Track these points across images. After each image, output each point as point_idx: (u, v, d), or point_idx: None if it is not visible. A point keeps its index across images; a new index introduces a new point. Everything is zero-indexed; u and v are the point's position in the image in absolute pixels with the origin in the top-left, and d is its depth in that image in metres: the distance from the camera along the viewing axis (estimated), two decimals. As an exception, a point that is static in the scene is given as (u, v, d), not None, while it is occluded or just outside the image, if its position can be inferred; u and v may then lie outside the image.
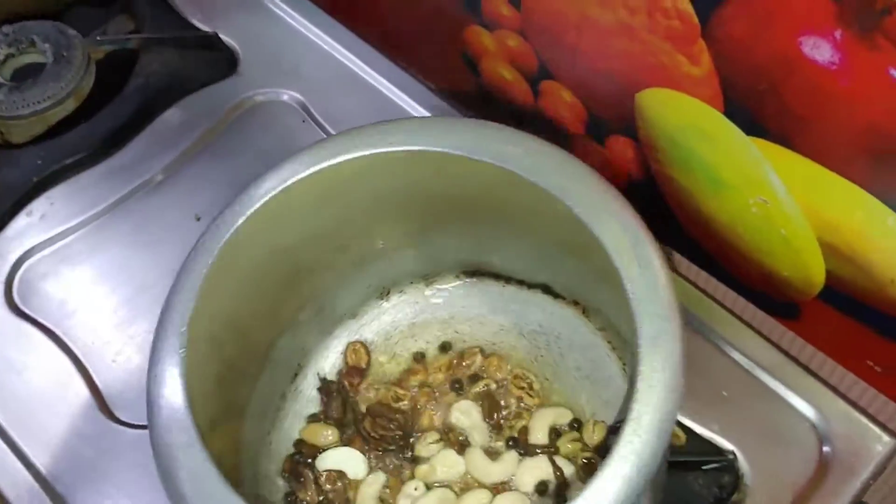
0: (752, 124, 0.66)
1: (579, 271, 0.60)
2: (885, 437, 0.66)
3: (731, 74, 0.65)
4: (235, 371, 0.56)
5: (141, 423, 0.66)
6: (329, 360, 0.66)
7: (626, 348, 0.61)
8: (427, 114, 0.80)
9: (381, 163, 0.56)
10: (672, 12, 0.64)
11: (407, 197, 0.60)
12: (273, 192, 0.55)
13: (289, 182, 0.56)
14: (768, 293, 0.73)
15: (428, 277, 0.67)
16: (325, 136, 0.79)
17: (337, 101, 0.80)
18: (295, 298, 0.62)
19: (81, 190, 0.76)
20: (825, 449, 0.65)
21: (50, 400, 0.67)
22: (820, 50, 0.59)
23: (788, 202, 0.67)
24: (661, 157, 0.72)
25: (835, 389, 0.68)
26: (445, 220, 0.63)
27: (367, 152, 0.56)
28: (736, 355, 0.69)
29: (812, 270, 0.70)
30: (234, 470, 0.54)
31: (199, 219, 0.75)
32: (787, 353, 0.71)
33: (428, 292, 0.67)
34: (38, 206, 0.75)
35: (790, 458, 0.65)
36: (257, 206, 0.55)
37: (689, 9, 0.63)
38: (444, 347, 0.66)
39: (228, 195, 0.75)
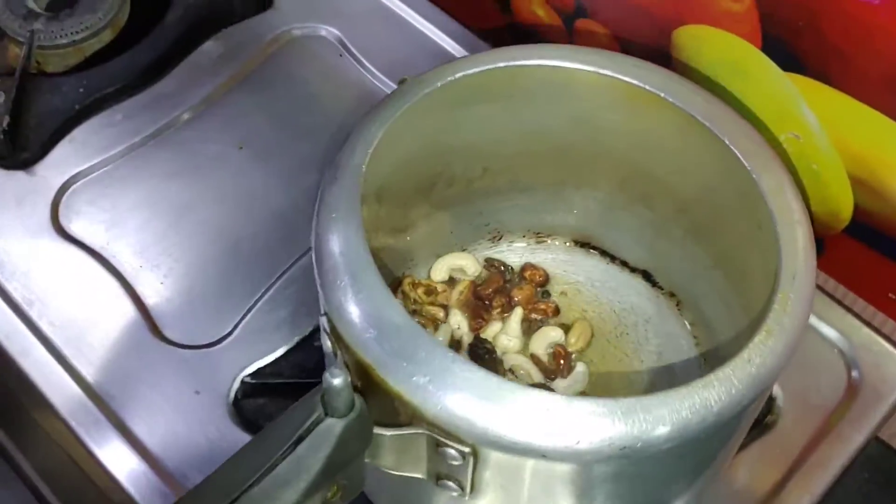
0: (789, 60, 0.68)
1: (693, 256, 0.62)
2: (911, 363, 0.69)
3: (771, 9, 0.67)
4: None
5: (189, 343, 0.68)
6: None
7: (710, 345, 0.63)
8: (463, 51, 0.81)
9: (568, 79, 0.57)
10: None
11: (558, 134, 0.61)
12: (466, 72, 0.56)
13: (482, 68, 0.56)
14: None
15: (540, 235, 0.69)
16: (361, 69, 0.81)
17: (373, 37, 0.82)
18: (423, 205, 0.63)
19: (124, 118, 0.77)
20: (853, 374, 0.68)
21: (99, 321, 0.68)
22: (863, -16, 0.61)
23: (821, 137, 0.70)
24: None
25: (861, 319, 0.71)
26: (581, 178, 0.65)
27: (556, 63, 0.57)
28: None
29: (840, 205, 0.72)
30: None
31: (241, 148, 0.76)
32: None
33: (536, 249, 0.69)
34: (81, 133, 0.76)
35: (820, 383, 0.68)
36: (449, 79, 0.55)
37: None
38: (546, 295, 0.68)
39: (269, 126, 0.78)
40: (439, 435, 0.45)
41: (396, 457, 0.47)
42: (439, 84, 0.55)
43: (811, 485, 0.65)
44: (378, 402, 0.46)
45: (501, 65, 0.56)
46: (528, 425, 0.44)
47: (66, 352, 0.67)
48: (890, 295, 0.73)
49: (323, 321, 0.48)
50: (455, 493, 0.48)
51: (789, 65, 0.68)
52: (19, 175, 0.74)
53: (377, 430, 0.45)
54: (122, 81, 0.77)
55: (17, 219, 0.72)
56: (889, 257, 0.71)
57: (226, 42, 0.81)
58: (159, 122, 0.77)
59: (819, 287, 0.73)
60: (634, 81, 0.56)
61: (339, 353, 0.47)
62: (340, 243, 0.48)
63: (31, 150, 0.75)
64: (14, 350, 0.67)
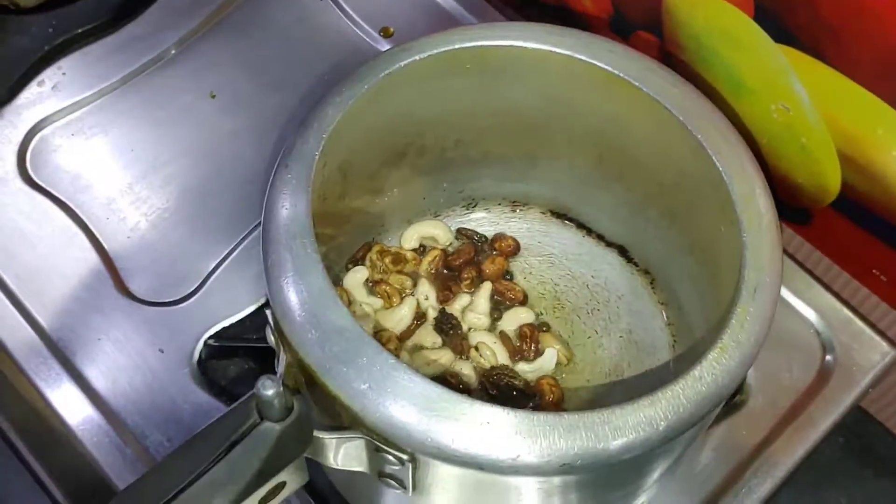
0: (782, 32, 0.65)
1: (668, 238, 0.61)
2: (886, 347, 0.68)
3: (765, -21, 0.64)
4: (326, 220, 0.55)
5: (155, 300, 0.67)
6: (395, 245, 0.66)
7: (682, 326, 0.62)
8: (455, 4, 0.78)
9: (540, 60, 0.55)
10: None
11: (532, 111, 0.59)
12: (433, 52, 0.54)
13: (450, 47, 0.54)
14: (782, 198, 0.73)
15: (515, 204, 0.67)
16: (342, 15, 0.78)
17: (356, -20, 0.79)
18: (394, 173, 0.61)
19: (94, 61, 0.75)
20: (827, 357, 0.67)
21: (64, 273, 0.67)
22: (860, -38, 0.58)
23: (811, 111, 0.67)
24: (685, 56, 0.71)
25: (840, 297, 0.70)
26: (554, 150, 0.62)
27: (529, 45, 0.55)
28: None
29: (828, 179, 0.70)
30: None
31: (213, 96, 0.74)
32: (795, 260, 0.71)
33: (511, 217, 0.67)
34: (50, 75, 0.74)
35: (793, 362, 0.67)
36: (414, 58, 0.53)
37: None
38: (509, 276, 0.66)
39: (244, 74, 0.75)
40: (378, 441, 0.44)
41: (338, 457, 0.46)
42: (403, 64, 0.53)
43: (777, 465, 0.64)
44: (320, 401, 0.45)
45: (470, 45, 0.54)
46: (467, 437, 0.43)
47: (29, 303, 0.66)
48: (874, 271, 0.71)
49: (269, 314, 0.47)
50: (398, 491, 0.47)
51: (782, 37, 0.65)
52: (-12, 122, 0.73)
53: (317, 434, 0.45)
54: (92, 22, 0.75)
55: (-14, 167, 0.71)
56: (874, 234, 0.69)
57: (202, -19, 0.78)
58: (131, 67, 0.74)
59: (800, 263, 0.72)
60: (609, 68, 0.53)
61: (281, 349, 0.46)
62: (288, 238, 0.47)
63: (-6, 92, 0.73)
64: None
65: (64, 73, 0.74)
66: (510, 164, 0.64)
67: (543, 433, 0.43)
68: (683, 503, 0.63)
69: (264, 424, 0.43)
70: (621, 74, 0.53)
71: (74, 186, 0.70)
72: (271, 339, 0.47)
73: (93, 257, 0.68)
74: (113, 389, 0.64)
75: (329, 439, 0.45)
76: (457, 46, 0.53)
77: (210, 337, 0.65)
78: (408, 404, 0.43)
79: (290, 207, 0.48)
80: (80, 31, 0.75)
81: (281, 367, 0.45)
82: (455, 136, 0.61)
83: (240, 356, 0.66)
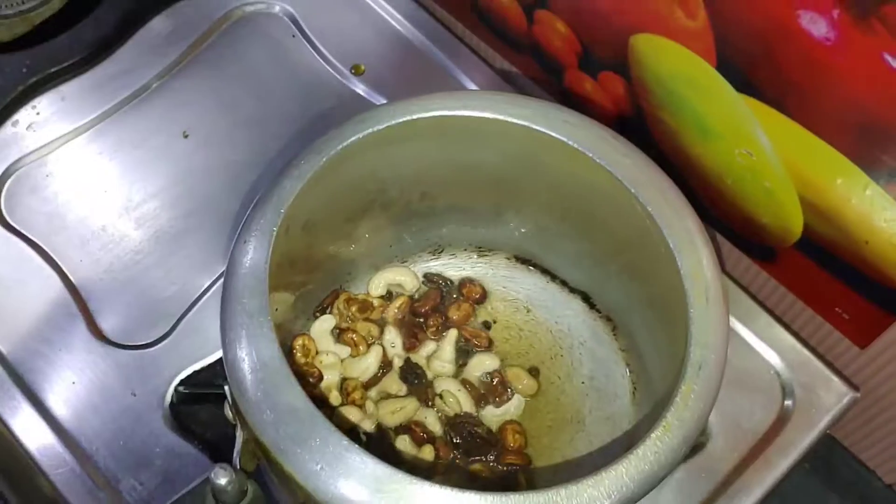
0: (744, 83, 0.66)
1: (628, 291, 0.62)
2: (845, 389, 0.69)
3: (727, 33, 0.64)
4: (295, 269, 0.57)
5: (127, 343, 0.68)
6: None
7: (642, 374, 0.63)
8: (420, 36, 0.79)
9: (498, 128, 0.57)
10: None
11: (496, 168, 0.61)
12: (391, 122, 0.56)
13: (409, 118, 0.56)
14: (747, 236, 0.74)
15: (482, 250, 0.68)
16: (314, 53, 0.78)
17: (328, 17, 0.79)
18: (360, 227, 0.63)
19: (68, 100, 0.75)
20: (786, 401, 0.68)
21: (37, 314, 0.68)
22: (817, 25, 0.59)
23: (773, 158, 0.68)
24: (651, 98, 0.72)
25: (800, 338, 0.71)
26: (518, 203, 0.64)
27: (487, 115, 0.56)
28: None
29: (791, 222, 0.71)
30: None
31: (186, 136, 0.74)
32: (757, 300, 0.73)
33: (477, 262, 0.68)
34: (25, 115, 0.75)
35: (753, 404, 0.68)
36: (371, 130, 0.55)
37: (690, -36, 0.62)
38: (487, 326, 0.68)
39: (217, 112, 0.76)
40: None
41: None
42: (361, 136, 0.54)
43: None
44: (277, 476, 0.47)
45: (428, 115, 0.54)
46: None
47: (1, 346, 0.67)
48: (837, 309, 0.72)
49: (227, 390, 0.48)
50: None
51: (744, 88, 0.66)
52: (-39, 158, 0.73)
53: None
54: (66, 60, 0.75)
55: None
56: (836, 276, 0.70)
57: (175, 17, 0.78)
58: (105, 106, 0.75)
59: (762, 303, 0.73)
60: (564, 139, 0.54)
61: (238, 425, 0.47)
62: (244, 314, 0.48)
63: (-29, 131, 0.74)
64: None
65: (38, 113, 0.75)
66: (476, 214, 0.65)
67: (491, 516, 0.44)
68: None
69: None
70: (576, 146, 0.54)
71: (49, 227, 0.71)
72: (229, 413, 0.48)
73: (66, 299, 0.69)
74: (86, 433, 0.66)
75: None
76: (415, 116, 0.54)
77: (180, 383, 0.67)
78: (359, 485, 0.45)
79: (248, 282, 0.49)
80: (54, 69, 0.75)
81: (239, 443, 0.46)
82: (420, 189, 0.62)
83: (210, 401, 0.67)
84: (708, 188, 0.73)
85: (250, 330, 0.48)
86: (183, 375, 0.67)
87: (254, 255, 0.50)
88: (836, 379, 0.69)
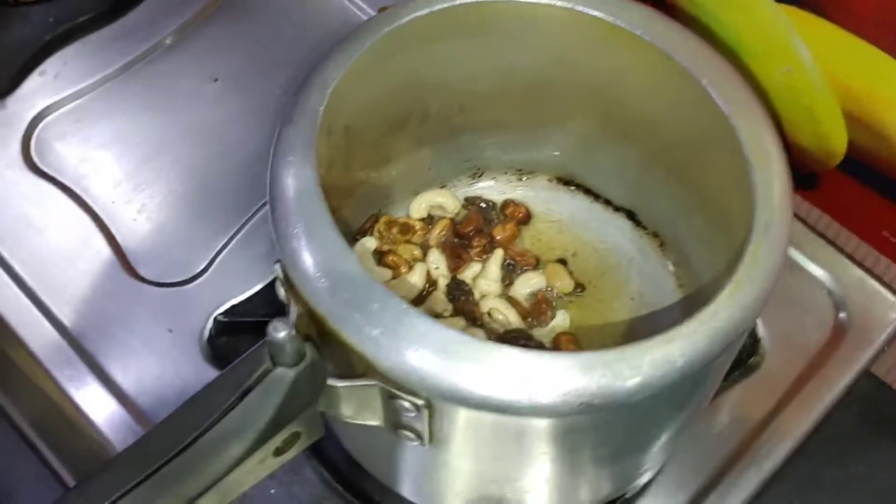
0: (783, -11, 0.65)
1: (676, 196, 0.60)
2: (901, 306, 0.67)
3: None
4: (333, 188, 0.55)
5: (162, 281, 0.67)
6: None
7: (692, 286, 0.61)
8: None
9: (540, 15, 0.55)
10: None
11: (535, 72, 0.59)
12: (433, 9, 0.54)
13: (451, 4, 0.54)
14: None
15: (521, 172, 0.67)
16: (343, -3, 0.78)
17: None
18: (398, 141, 0.61)
19: (95, 49, 0.75)
20: (841, 315, 0.66)
21: (72, 258, 0.67)
22: None
23: (814, 71, 0.67)
24: (684, 21, 0.71)
25: (851, 258, 0.69)
26: (561, 114, 0.62)
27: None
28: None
29: (834, 141, 0.70)
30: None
31: (216, 80, 0.74)
32: (806, 223, 0.71)
33: (518, 185, 0.67)
34: (52, 65, 0.74)
35: (806, 324, 0.67)
36: (414, 15, 0.53)
37: None
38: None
39: (245, 58, 0.75)
40: (392, 387, 0.44)
41: (352, 407, 0.46)
42: (405, 20, 0.52)
43: (794, 427, 0.64)
44: (332, 352, 0.45)
45: (471, 0, 0.53)
46: (483, 379, 0.43)
47: (38, 289, 0.66)
48: (884, 233, 0.71)
49: (277, 268, 0.47)
50: (414, 443, 0.47)
51: (781, -5, 0.65)
52: (-9, 109, 0.73)
53: (330, 382, 0.44)
54: (93, 11, 0.75)
55: (-11, 151, 0.71)
56: (882, 195, 0.69)
57: (202, -33, 0.78)
58: (131, 54, 0.75)
59: (810, 226, 0.71)
60: (609, 18, 0.53)
61: (291, 302, 0.46)
62: (295, 190, 0.47)
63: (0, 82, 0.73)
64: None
65: (65, 63, 0.74)
66: (515, 131, 0.64)
67: (560, 372, 0.42)
68: (701, 466, 0.62)
69: (277, 370, 0.42)
70: (623, 25, 0.53)
71: (79, 172, 0.70)
72: (281, 291, 0.47)
73: (100, 241, 0.68)
74: (125, 372, 0.64)
75: (342, 387, 0.44)
76: (457, 3, 0.53)
77: (219, 315, 0.65)
78: (422, 348, 0.43)
79: (296, 159, 0.48)
80: (80, 20, 0.75)
81: (292, 319, 0.45)
82: (458, 100, 0.61)
83: (249, 332, 0.65)
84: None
85: (302, 202, 0.46)
86: (220, 310, 0.65)
87: (300, 131, 0.49)
88: (891, 297, 0.67)
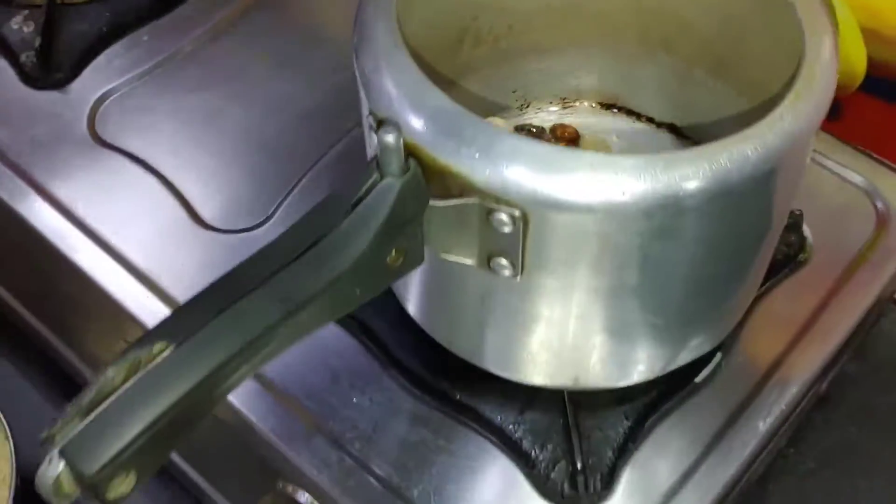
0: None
1: (717, 94, 0.64)
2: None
3: None
4: None
5: (230, 228, 0.70)
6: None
7: None
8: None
9: None
10: None
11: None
12: None
13: None
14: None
15: (566, 101, 0.71)
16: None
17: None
18: (451, 67, 0.64)
19: (150, 39, 0.80)
20: (880, 208, 0.70)
21: (143, 214, 0.70)
22: None
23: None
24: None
25: (888, 165, 0.73)
26: (601, 31, 0.66)
27: None
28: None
29: (855, 61, 0.74)
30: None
31: (266, 58, 0.78)
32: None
33: (564, 114, 0.70)
34: (108, 55, 0.78)
35: (849, 222, 0.70)
36: None
37: None
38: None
39: (294, 39, 0.80)
40: (489, 202, 0.46)
41: (449, 234, 0.48)
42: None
43: (846, 313, 0.66)
44: (430, 180, 0.47)
45: None
46: (574, 181, 0.46)
47: (115, 243, 0.69)
48: (908, 147, 0.74)
49: (368, 120, 0.50)
50: (507, 273, 0.49)
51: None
52: (54, 94, 0.76)
53: (432, 202, 0.47)
54: (144, 8, 0.80)
55: (55, 132, 0.74)
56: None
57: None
58: (183, 41, 0.79)
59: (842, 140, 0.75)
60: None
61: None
62: (380, 33, 0.50)
63: (62, 71, 0.77)
64: (66, 248, 0.69)
65: (122, 52, 0.79)
66: (560, 55, 0.68)
67: (643, 169, 0.46)
68: (759, 356, 0.64)
69: (385, 180, 0.45)
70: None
71: (142, 142, 0.74)
72: (373, 140, 0.50)
73: (168, 197, 0.71)
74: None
75: (443, 206, 0.47)
76: None
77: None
78: (515, 161, 0.46)
79: (379, 5, 0.52)
80: (132, 16, 0.80)
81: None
82: (507, 21, 0.65)
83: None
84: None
85: (387, 46, 0.50)
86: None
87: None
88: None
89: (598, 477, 0.58)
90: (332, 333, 0.64)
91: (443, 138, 0.47)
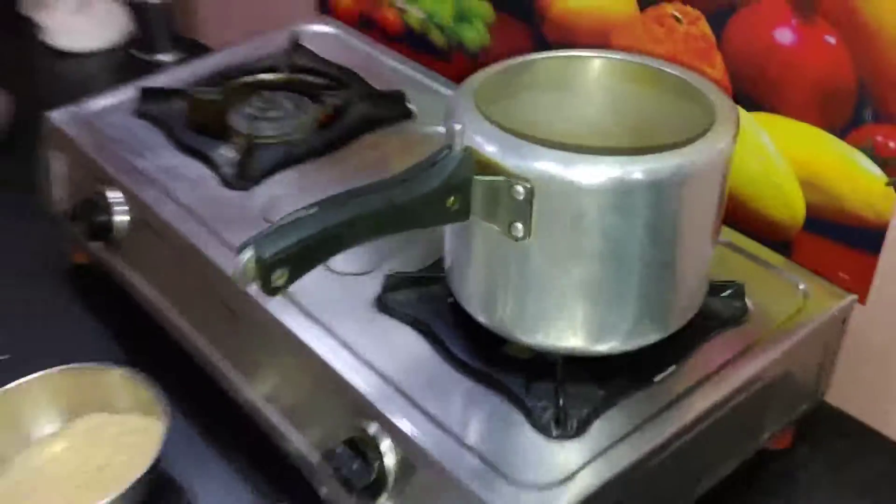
0: (750, 101, 1.04)
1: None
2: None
3: (735, 69, 1.04)
4: None
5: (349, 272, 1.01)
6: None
7: None
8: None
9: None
10: (699, 37, 1.06)
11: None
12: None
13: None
14: (765, 235, 1.06)
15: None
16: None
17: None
18: None
19: (317, 168, 1.16)
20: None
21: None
22: (783, 35, 0.99)
23: (777, 156, 1.04)
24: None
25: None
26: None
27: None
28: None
29: (796, 207, 1.04)
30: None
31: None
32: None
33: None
34: (279, 175, 1.15)
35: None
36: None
37: (708, 31, 1.04)
38: None
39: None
40: (512, 179, 0.77)
41: (487, 204, 0.78)
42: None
43: (750, 364, 0.92)
44: (477, 164, 0.79)
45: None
46: (571, 164, 0.77)
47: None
48: (840, 274, 1.02)
49: (448, 124, 0.82)
50: (520, 234, 0.79)
51: (751, 105, 1.03)
52: (243, 194, 1.12)
53: (476, 177, 0.78)
54: (314, 150, 1.17)
55: (239, 213, 1.09)
56: (835, 241, 1.02)
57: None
58: (334, 171, 1.15)
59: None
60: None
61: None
62: (458, 96, 0.85)
63: (250, 180, 1.13)
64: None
65: (288, 174, 1.15)
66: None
67: (612, 163, 0.77)
68: (700, 370, 0.90)
69: (453, 152, 0.78)
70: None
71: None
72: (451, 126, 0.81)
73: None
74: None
75: (482, 180, 0.78)
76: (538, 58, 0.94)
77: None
78: (529, 158, 0.78)
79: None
80: (306, 152, 1.17)
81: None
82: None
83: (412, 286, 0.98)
84: (732, 199, 1.06)
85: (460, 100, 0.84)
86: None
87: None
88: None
89: (575, 423, 0.84)
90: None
91: (488, 145, 0.79)
